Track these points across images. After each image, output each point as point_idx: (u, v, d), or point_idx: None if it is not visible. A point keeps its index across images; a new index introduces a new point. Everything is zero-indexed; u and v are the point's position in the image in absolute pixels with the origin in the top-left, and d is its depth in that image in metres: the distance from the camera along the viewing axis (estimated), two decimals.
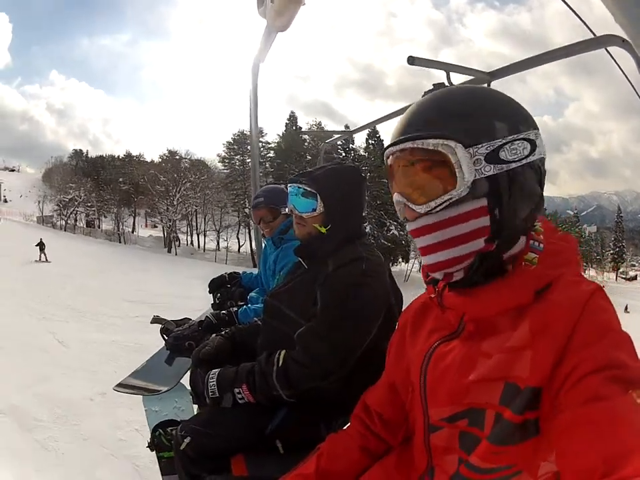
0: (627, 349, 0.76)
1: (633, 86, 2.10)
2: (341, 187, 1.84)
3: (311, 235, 1.88)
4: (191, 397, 2.58)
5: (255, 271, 3.61)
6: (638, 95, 2.06)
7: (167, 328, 2.76)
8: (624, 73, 2.12)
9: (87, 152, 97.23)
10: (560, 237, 0.96)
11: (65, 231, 65.29)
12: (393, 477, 1.13)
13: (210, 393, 1.76)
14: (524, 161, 0.86)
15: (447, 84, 1.99)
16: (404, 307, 1.62)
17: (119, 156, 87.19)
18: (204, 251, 67.63)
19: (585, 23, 2.07)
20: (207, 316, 2.76)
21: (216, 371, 1.82)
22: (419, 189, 0.90)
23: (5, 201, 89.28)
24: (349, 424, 1.34)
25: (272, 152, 66.70)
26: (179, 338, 2.62)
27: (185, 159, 72.96)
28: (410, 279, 48.75)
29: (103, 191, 71.59)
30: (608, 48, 1.91)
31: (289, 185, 1.91)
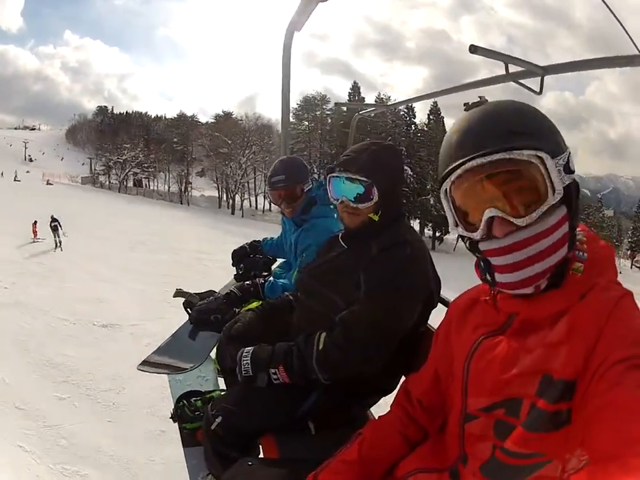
0: None
1: None
2: (390, 171, 1.71)
3: (364, 223, 1.72)
4: (215, 367, 2.48)
5: (276, 235, 3.28)
6: None
7: (190, 301, 2.53)
8: None
9: (112, 108, 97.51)
10: (601, 246, 0.95)
11: (119, 192, 65.63)
12: (428, 464, 1.09)
13: (243, 372, 1.65)
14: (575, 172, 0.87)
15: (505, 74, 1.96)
16: (442, 291, 1.75)
17: (161, 116, 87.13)
18: (263, 212, 64.93)
19: (629, 36, 1.94)
20: (231, 289, 2.53)
21: (250, 349, 1.69)
22: (516, 201, 0.86)
23: (31, 160, 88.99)
24: (390, 410, 1.29)
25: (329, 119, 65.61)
26: (204, 312, 2.40)
27: (240, 121, 72.53)
28: (457, 248, 44.75)
29: (155, 152, 71.64)
30: None
31: (335, 174, 1.72)
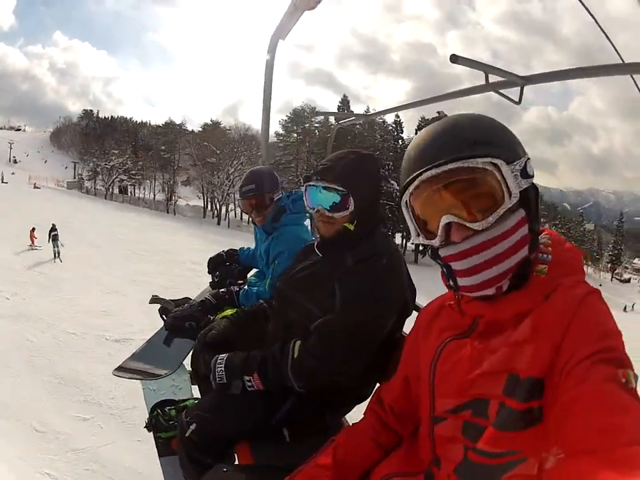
0: (616, 339, 0.78)
1: None
2: (367, 180, 1.68)
3: (339, 232, 1.68)
4: (189, 376, 2.41)
5: (253, 245, 3.27)
6: None
7: (166, 308, 2.50)
8: None
9: (97, 112, 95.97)
10: (567, 248, 0.97)
11: (106, 198, 64.69)
12: (402, 468, 1.10)
13: (218, 379, 1.65)
14: (534, 176, 0.91)
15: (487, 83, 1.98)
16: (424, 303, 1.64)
17: (146, 122, 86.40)
18: (248, 223, 63.22)
19: (612, 45, 2.01)
20: (206, 297, 2.51)
21: (224, 356, 1.69)
22: (472, 207, 0.88)
23: (15, 161, 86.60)
24: (363, 416, 1.31)
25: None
26: (179, 318, 2.37)
27: (229, 130, 72.35)
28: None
29: (143, 159, 71.01)
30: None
31: (311, 183, 1.69)
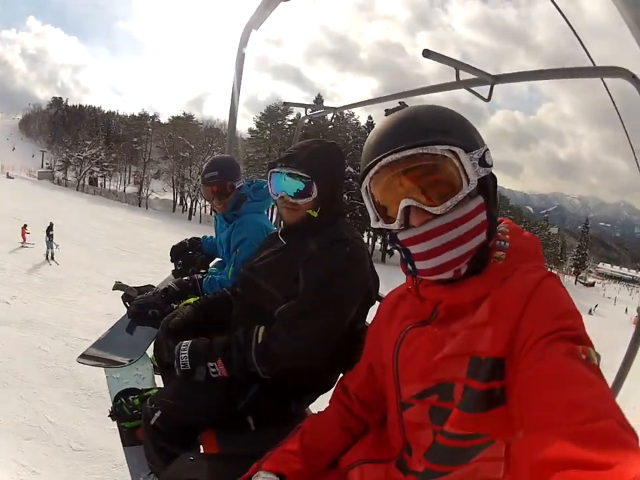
0: (575, 318, 0.78)
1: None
2: (331, 169, 1.70)
3: (302, 219, 1.70)
4: (152, 365, 2.42)
5: (186, 232, 3.28)
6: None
7: (129, 295, 2.46)
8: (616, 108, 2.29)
9: (67, 100, 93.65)
10: (525, 237, 1.00)
11: (77, 190, 62.76)
12: (372, 455, 1.10)
13: (182, 365, 1.62)
14: (493, 166, 0.93)
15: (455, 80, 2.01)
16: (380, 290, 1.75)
17: (114, 112, 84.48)
18: None
19: (588, 54, 2.08)
20: (169, 284, 2.47)
21: (187, 342, 1.66)
22: (431, 192, 0.89)
23: None
24: (329, 405, 1.31)
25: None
26: (142, 306, 2.33)
27: (200, 124, 71.37)
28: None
29: (116, 151, 69.25)
30: (611, 79, 1.97)
31: (275, 169, 1.70)
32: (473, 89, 2.13)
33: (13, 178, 54.15)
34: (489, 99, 2.10)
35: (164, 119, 76.93)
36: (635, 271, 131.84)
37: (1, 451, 4.13)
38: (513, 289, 0.85)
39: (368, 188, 0.98)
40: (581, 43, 2.12)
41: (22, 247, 15.25)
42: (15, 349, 6.47)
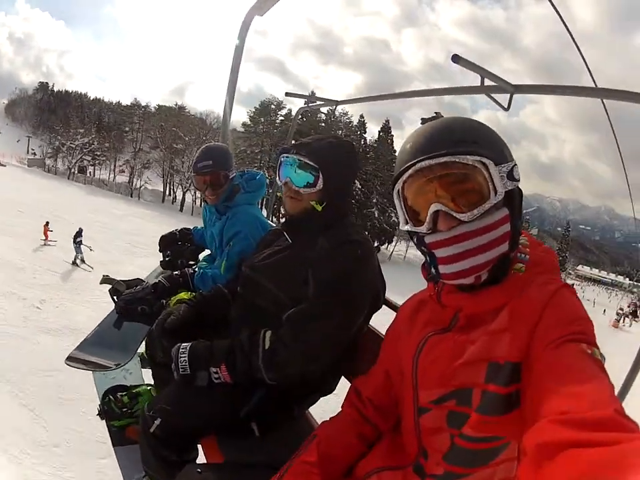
0: (586, 325, 0.82)
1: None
2: (341, 163, 1.62)
3: (304, 211, 1.62)
4: (139, 359, 2.31)
5: (182, 224, 3.16)
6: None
7: (117, 289, 2.28)
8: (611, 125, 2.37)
9: (53, 85, 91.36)
10: (542, 249, 1.02)
11: (69, 179, 60.97)
12: (388, 462, 1.09)
13: (181, 369, 1.51)
14: (520, 181, 0.95)
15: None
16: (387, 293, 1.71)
17: (100, 98, 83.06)
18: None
19: (588, 69, 2.14)
20: (159, 279, 2.30)
21: (186, 345, 1.56)
22: (459, 199, 0.92)
23: None
24: (341, 410, 1.28)
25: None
26: (131, 301, 2.18)
27: (192, 115, 70.49)
28: (392, 258, 50.75)
29: (109, 140, 67.49)
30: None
31: (284, 155, 1.64)
32: (494, 96, 2.13)
33: (4, 165, 51.91)
34: (508, 108, 2.10)
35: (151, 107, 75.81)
36: (614, 275, 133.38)
37: (82, 475, 3.93)
38: (530, 299, 0.88)
39: (400, 191, 1.00)
40: (578, 49, 2.14)
41: (45, 245, 14.40)
42: (63, 364, 6.10)
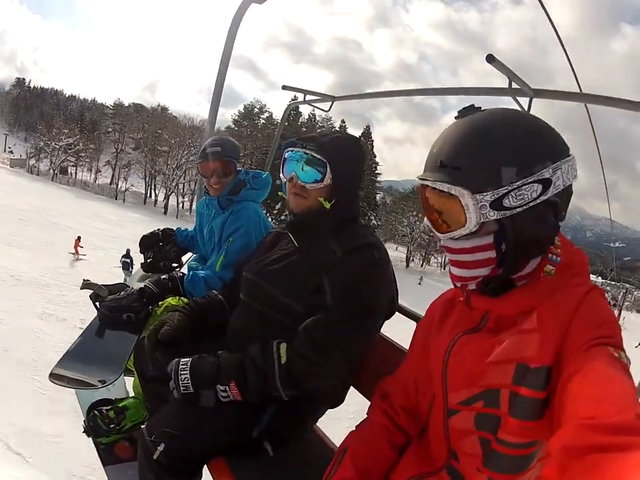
0: (614, 329, 0.80)
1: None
2: (350, 159, 1.53)
3: (310, 210, 1.50)
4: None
5: (192, 227, 2.90)
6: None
7: (99, 294, 2.05)
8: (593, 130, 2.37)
9: (30, 82, 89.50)
10: (573, 251, 0.97)
11: (52, 180, 59.75)
12: (420, 470, 1.05)
13: (182, 388, 1.36)
14: (531, 204, 0.85)
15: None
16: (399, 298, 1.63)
17: (75, 95, 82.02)
18: (190, 213, 59.05)
19: (574, 74, 2.14)
20: (146, 284, 2.07)
21: (187, 360, 1.40)
22: (441, 219, 0.93)
23: None
24: (369, 418, 1.21)
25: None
26: (116, 309, 1.96)
27: (175, 117, 70.34)
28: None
29: (93, 141, 66.56)
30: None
31: (289, 148, 1.52)
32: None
33: None
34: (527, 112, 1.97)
35: (112, 101, 75.43)
36: None
37: None
38: (561, 303, 0.85)
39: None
40: (565, 53, 2.10)
41: (76, 259, 13.79)
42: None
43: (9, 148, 71.27)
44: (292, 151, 1.49)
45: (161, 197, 64.05)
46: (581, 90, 2.08)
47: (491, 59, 1.78)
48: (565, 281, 0.89)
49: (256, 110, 66.20)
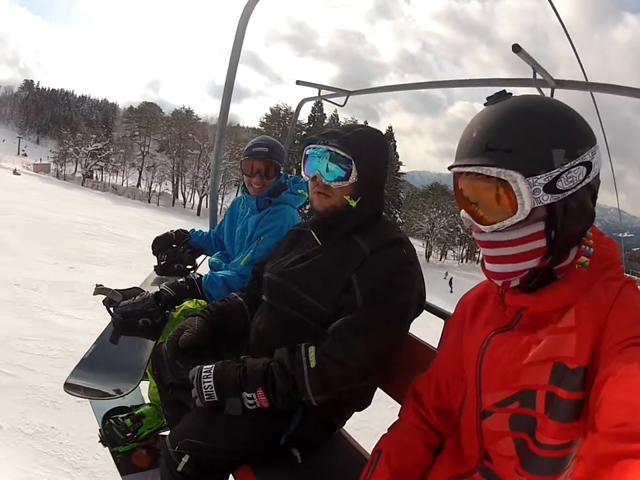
0: None
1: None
2: (375, 154, 1.44)
3: (335, 209, 1.43)
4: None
5: (206, 229, 2.84)
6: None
7: (112, 299, 1.94)
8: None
9: (38, 83, 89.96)
10: (604, 241, 0.91)
11: (83, 185, 60.10)
12: (458, 471, 1.00)
13: (206, 396, 1.30)
14: (579, 186, 0.82)
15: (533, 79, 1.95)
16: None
17: (86, 96, 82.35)
18: (220, 213, 61.55)
19: (576, 54, 2.15)
20: (162, 288, 1.97)
21: (209, 367, 1.34)
22: (483, 210, 0.87)
23: None
24: (401, 419, 1.17)
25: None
26: (131, 314, 1.87)
27: (200, 119, 71.02)
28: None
29: (123, 146, 67.50)
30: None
31: (310, 145, 1.44)
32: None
33: (19, 174, 47.39)
34: None
35: (121, 102, 76.32)
36: None
37: None
38: (597, 298, 0.82)
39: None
40: (570, 42, 2.11)
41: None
42: None
43: (23, 150, 71.69)
44: (313, 148, 1.42)
45: (188, 198, 64.69)
46: (586, 79, 2.08)
47: (517, 49, 1.72)
48: (599, 273, 0.86)
49: (282, 112, 66.82)
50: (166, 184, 67.18)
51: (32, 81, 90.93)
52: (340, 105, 3.12)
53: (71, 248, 11.33)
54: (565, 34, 2.10)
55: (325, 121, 66.18)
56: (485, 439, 0.95)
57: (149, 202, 61.37)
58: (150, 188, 65.52)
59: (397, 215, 59.37)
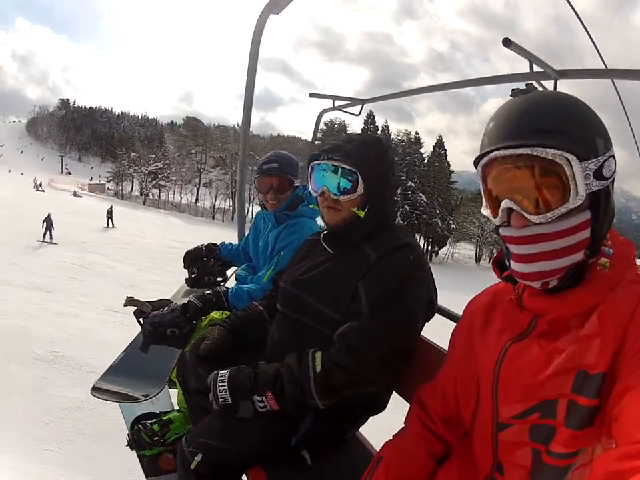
0: None
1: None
2: (378, 163, 1.44)
3: (345, 221, 1.43)
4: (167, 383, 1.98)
5: (235, 241, 2.91)
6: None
7: (142, 311, 2.02)
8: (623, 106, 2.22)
9: (75, 101, 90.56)
10: (620, 242, 0.87)
11: (145, 204, 61.30)
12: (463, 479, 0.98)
13: (221, 399, 1.34)
14: (613, 177, 0.81)
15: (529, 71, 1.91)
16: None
17: (126, 112, 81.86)
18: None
19: (595, 46, 2.04)
20: (190, 299, 2.01)
21: (225, 372, 1.38)
22: (533, 197, 0.79)
23: None
24: (406, 427, 1.14)
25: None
26: (160, 324, 1.93)
27: (250, 131, 72.51)
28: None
29: (180, 164, 68.49)
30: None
31: (315, 161, 1.45)
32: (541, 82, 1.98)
33: (81, 197, 47.23)
34: None
35: (152, 114, 77.38)
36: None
37: None
38: (619, 301, 0.77)
39: (481, 173, 0.88)
40: (587, 32, 2.04)
41: None
42: None
43: (66, 169, 72.72)
44: (320, 163, 1.42)
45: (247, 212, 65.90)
46: (606, 67, 1.99)
47: (507, 43, 1.70)
48: (620, 275, 0.82)
49: (336, 127, 67.20)
50: (224, 200, 68.46)
51: (67, 99, 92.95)
52: (355, 114, 3.13)
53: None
54: (579, 21, 2.02)
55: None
56: (501, 450, 0.91)
57: (213, 219, 62.59)
58: (214, 205, 66.68)
59: (451, 222, 58.84)
